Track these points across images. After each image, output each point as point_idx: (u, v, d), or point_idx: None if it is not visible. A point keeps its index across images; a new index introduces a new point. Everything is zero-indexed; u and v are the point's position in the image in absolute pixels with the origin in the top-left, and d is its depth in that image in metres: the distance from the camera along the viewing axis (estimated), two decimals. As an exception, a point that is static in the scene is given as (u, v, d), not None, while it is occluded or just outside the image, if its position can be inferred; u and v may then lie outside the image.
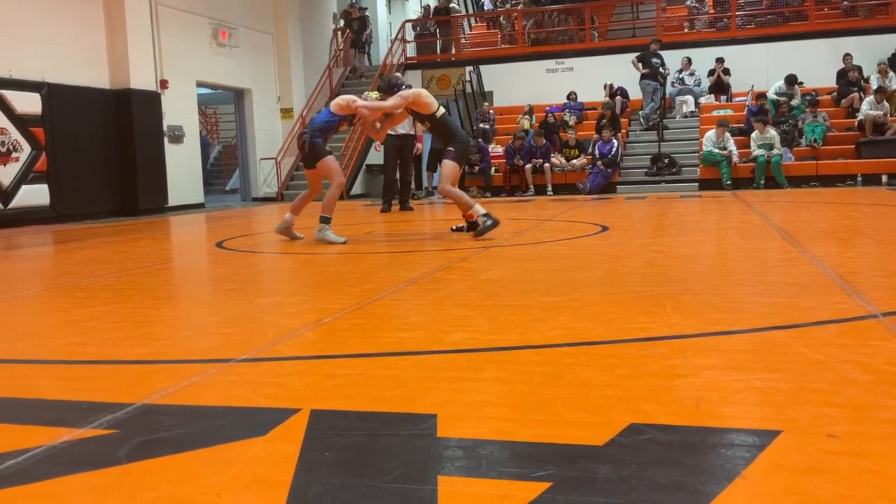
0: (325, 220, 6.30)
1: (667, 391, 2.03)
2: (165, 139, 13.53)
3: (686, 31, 17.74)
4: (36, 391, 2.32)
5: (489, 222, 6.13)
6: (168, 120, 13.61)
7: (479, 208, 6.25)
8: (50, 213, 11.28)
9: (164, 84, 13.49)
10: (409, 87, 6.64)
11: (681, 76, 16.15)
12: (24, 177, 10.89)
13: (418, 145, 10.61)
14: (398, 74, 10.18)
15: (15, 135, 10.74)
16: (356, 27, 18.06)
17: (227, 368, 2.44)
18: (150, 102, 13.04)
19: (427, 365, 2.45)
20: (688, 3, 17.89)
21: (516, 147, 14.57)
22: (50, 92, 11.27)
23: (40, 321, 3.62)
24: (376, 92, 6.58)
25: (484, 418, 1.87)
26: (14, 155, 10.72)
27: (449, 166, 6.36)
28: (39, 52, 11.19)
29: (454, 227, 6.82)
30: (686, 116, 15.83)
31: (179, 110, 13.97)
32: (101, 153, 12.28)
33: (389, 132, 9.78)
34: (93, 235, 8.60)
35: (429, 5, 21.89)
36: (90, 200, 12.08)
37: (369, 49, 19.97)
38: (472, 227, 6.34)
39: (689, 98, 15.92)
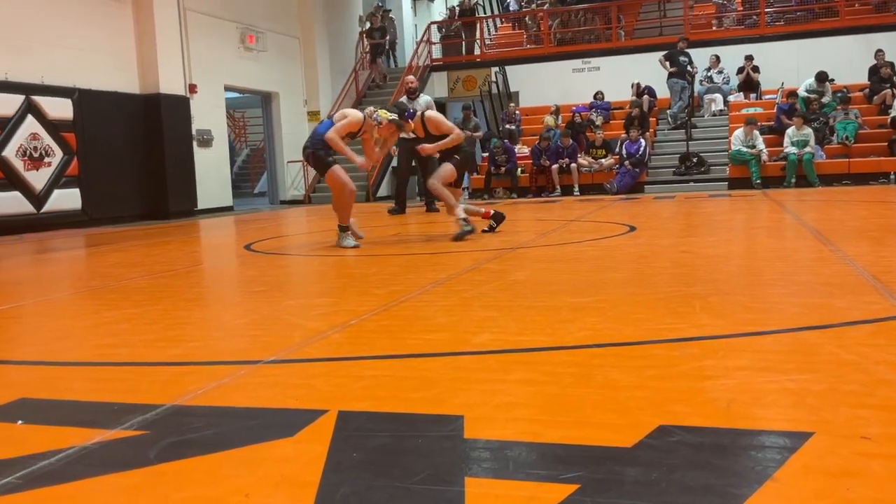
0: (344, 229, 6.28)
1: (697, 392, 2.01)
2: (194, 143, 13.68)
3: (714, 28, 17.57)
4: (68, 392, 2.35)
5: (467, 228, 6.36)
6: (197, 124, 13.75)
7: (459, 212, 6.42)
8: (82, 217, 11.45)
9: (192, 89, 13.64)
10: (413, 112, 6.64)
11: (709, 74, 16.00)
12: (57, 181, 11.06)
13: (424, 145, 10.56)
14: (403, 100, 10.17)
15: (47, 140, 10.92)
16: (377, 37, 18.05)
17: (256, 370, 2.46)
18: (178, 107, 13.19)
19: (454, 366, 2.45)
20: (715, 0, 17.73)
21: (542, 147, 14.52)
22: (81, 98, 11.45)
23: (73, 323, 3.67)
24: (385, 111, 6.43)
25: (512, 420, 1.87)
26: (47, 160, 10.90)
27: (448, 168, 6.56)
28: (71, 59, 11.37)
29: (484, 229, 6.83)
30: (715, 115, 15.67)
31: (208, 114, 14.12)
32: (131, 157, 12.45)
33: (402, 135, 9.88)
34: (124, 239, 8.72)
35: (454, 7, 21.91)
36: (121, 204, 12.24)
37: (394, 52, 20.04)
38: (498, 218, 6.76)
39: (718, 96, 15.76)
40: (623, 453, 1.61)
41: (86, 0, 11.67)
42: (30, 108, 10.63)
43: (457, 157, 6.57)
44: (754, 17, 16.88)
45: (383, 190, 16.57)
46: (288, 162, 16.64)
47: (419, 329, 3.08)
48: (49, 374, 2.64)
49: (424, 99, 10.34)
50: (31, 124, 10.65)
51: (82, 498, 1.54)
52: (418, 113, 6.62)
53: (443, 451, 1.68)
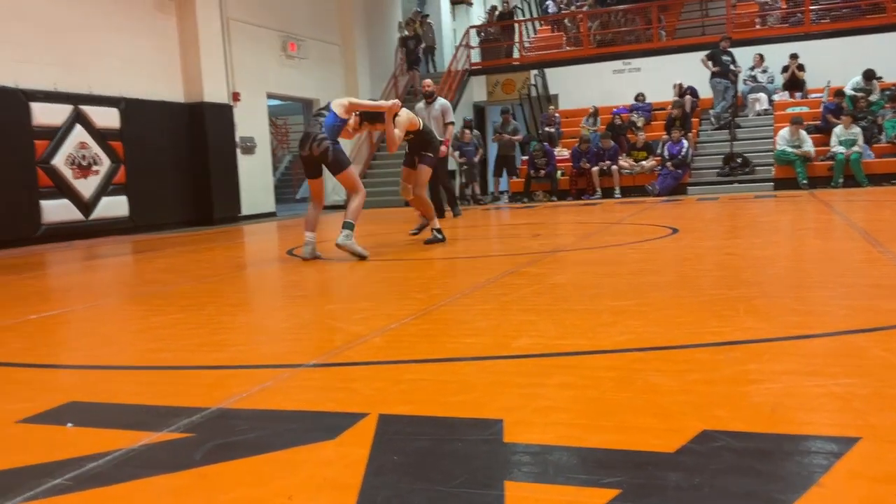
0: (351, 227, 5.90)
1: (741, 397, 1.98)
2: (238, 150, 13.88)
3: (758, 27, 17.29)
4: (116, 396, 2.41)
5: (440, 237, 6.66)
6: (240, 131, 13.96)
7: (436, 222, 6.79)
8: (128, 224, 11.69)
9: (235, 97, 13.85)
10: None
11: (753, 73, 15.74)
12: (104, 189, 11.32)
13: (442, 149, 10.42)
14: (420, 105, 10.16)
15: (95, 149, 11.18)
16: (412, 45, 18.05)
17: (298, 373, 2.49)
18: (222, 115, 13.40)
19: (493, 370, 2.45)
20: (759, -2, 17.47)
21: (582, 150, 14.44)
22: (128, 107, 11.70)
23: (121, 328, 3.76)
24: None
25: (551, 424, 1.86)
26: (94, 168, 11.16)
27: (426, 171, 6.68)
28: (117, 69, 11.63)
29: (419, 235, 7.18)
30: (759, 114, 15.42)
31: (251, 122, 14.32)
32: (176, 165, 12.68)
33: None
34: (169, 245, 8.88)
35: (493, 5, 21.90)
36: (166, 211, 12.47)
37: (433, 56, 20.10)
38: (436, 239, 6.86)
39: (763, 96, 15.50)
40: (665, 458, 1.59)
41: (131, 11, 11.93)
42: (78, 118, 10.89)
43: (429, 154, 6.67)
44: (799, 14, 16.57)
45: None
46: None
47: (458, 333, 3.09)
48: (98, 378, 2.70)
49: (441, 103, 10.22)
50: (79, 133, 10.91)
51: (131, 499, 1.57)
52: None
53: (482, 454, 1.68)
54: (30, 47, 10.22)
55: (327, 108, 5.97)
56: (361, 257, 5.84)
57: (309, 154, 5.79)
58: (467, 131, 15.57)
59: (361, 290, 4.74)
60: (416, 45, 17.89)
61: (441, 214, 10.60)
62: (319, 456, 1.72)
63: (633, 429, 1.80)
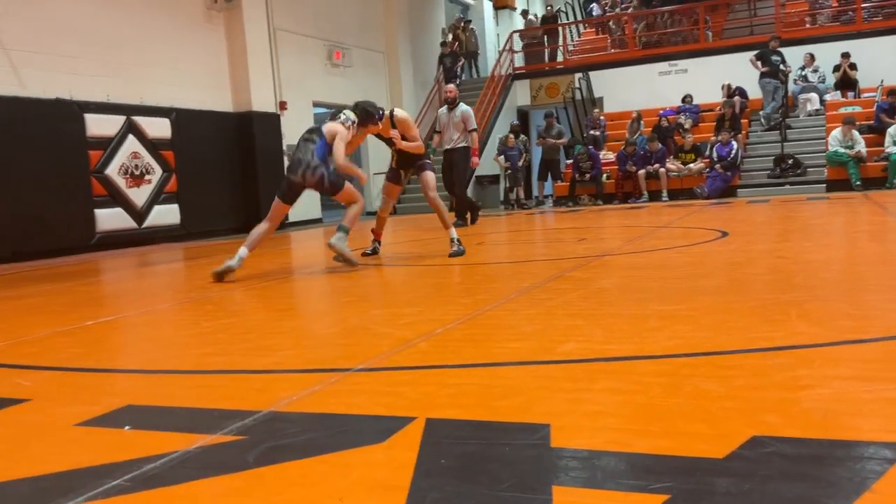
0: (346, 231, 5.86)
1: (792, 403, 1.95)
2: (285, 158, 14.08)
3: (808, 25, 16.95)
4: (171, 399, 2.47)
5: (461, 249, 6.27)
6: (287, 140, 14.15)
7: (453, 231, 6.41)
8: (180, 231, 11.94)
9: (282, 105, 14.06)
10: (382, 112, 6.38)
11: (803, 73, 15.44)
12: (156, 197, 11.58)
13: (474, 159, 10.21)
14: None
15: (147, 158, 11.45)
16: (448, 63, 17.98)
17: (346, 378, 2.52)
18: (270, 124, 13.62)
19: (540, 375, 2.45)
20: (809, -3, 17.12)
21: (628, 153, 14.32)
22: (178, 117, 11.96)
23: (174, 333, 3.85)
24: (350, 113, 6.17)
25: (599, 429, 1.86)
26: (147, 177, 11.43)
27: (431, 176, 6.55)
28: (168, 80, 11.90)
29: (366, 251, 6.83)
30: (811, 115, 15.10)
31: (297, 130, 14.40)
32: (225, 173, 12.91)
33: (444, 148, 10.22)
34: (219, 251, 9.04)
35: (536, 14, 21.87)
36: (216, 218, 12.71)
37: (476, 62, 20.12)
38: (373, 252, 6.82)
39: (814, 96, 15.18)
40: (714, 464, 1.58)
41: (181, 23, 12.20)
42: (131, 129, 11.17)
43: (427, 160, 6.63)
44: (850, 12, 16.19)
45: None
46: (374, 174, 16.91)
47: (504, 338, 3.09)
48: (153, 382, 2.78)
49: (462, 109, 10.21)
50: (132, 143, 11.19)
51: (187, 499, 1.62)
52: (386, 112, 6.48)
53: (529, 459, 1.69)
54: (84, 60, 10.53)
55: (318, 132, 5.90)
56: (350, 263, 5.84)
57: (301, 181, 5.75)
58: (512, 136, 15.57)
59: (406, 296, 4.77)
60: (454, 62, 17.89)
61: (464, 220, 10.42)
62: (369, 458, 1.75)
63: (681, 434, 1.79)
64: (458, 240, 6.37)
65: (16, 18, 9.67)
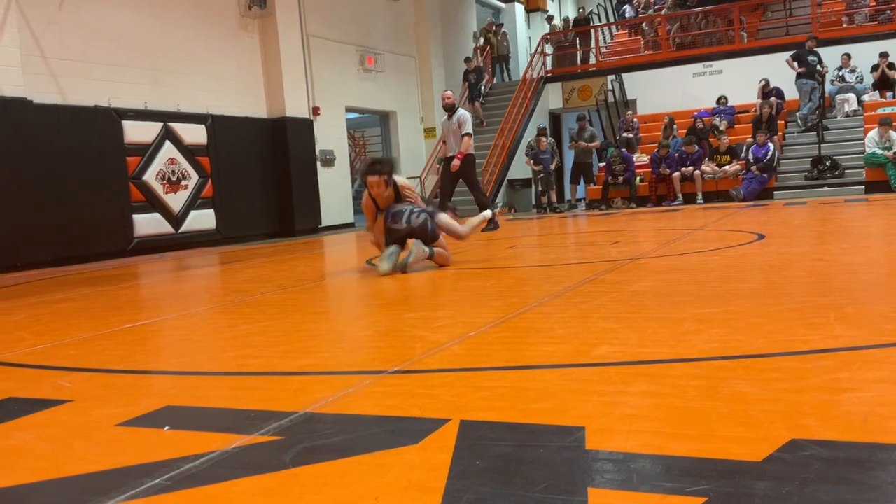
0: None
1: (831, 406, 1.93)
2: (318, 163, 14.20)
3: (845, 25, 16.68)
4: (209, 400, 2.51)
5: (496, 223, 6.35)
6: (320, 145, 14.29)
7: (487, 213, 6.53)
8: (216, 236, 12.10)
9: (315, 111, 14.19)
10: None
11: (841, 73, 15.19)
12: (193, 203, 11.76)
13: (455, 161, 9.78)
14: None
15: (184, 164, 11.63)
16: (472, 79, 17.81)
17: (381, 380, 2.54)
18: (303, 129, 13.75)
19: (574, 378, 2.44)
20: (846, -4, 16.85)
21: (661, 155, 14.20)
22: (214, 123, 12.13)
23: (212, 336, 3.90)
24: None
25: (634, 432, 1.85)
26: (184, 183, 11.61)
27: (446, 222, 6.14)
28: (204, 87, 12.08)
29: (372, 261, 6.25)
30: (848, 115, 14.85)
31: (330, 135, 14.64)
32: (260, 178, 13.07)
33: (448, 155, 9.92)
34: (255, 256, 9.15)
35: (567, 17, 21.81)
36: (251, 223, 12.86)
37: (507, 65, 20.10)
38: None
39: (852, 96, 14.93)
40: (752, 467, 1.56)
41: (217, 31, 12.38)
42: (168, 135, 11.36)
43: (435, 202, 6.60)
44: (888, 11, 15.90)
45: (499, 202, 16.64)
46: (407, 178, 16.98)
47: (537, 341, 3.09)
48: (192, 383, 2.82)
49: (459, 114, 9.93)
50: (168, 150, 11.38)
51: (225, 499, 1.64)
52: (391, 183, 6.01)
53: (564, 461, 1.69)
54: (122, 68, 10.73)
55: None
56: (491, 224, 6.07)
57: (406, 228, 5.81)
58: (543, 139, 15.53)
59: (439, 299, 4.78)
60: (479, 79, 17.74)
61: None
62: (403, 460, 1.76)
63: (718, 437, 1.77)
64: (495, 219, 6.34)
65: (56, 28, 9.89)
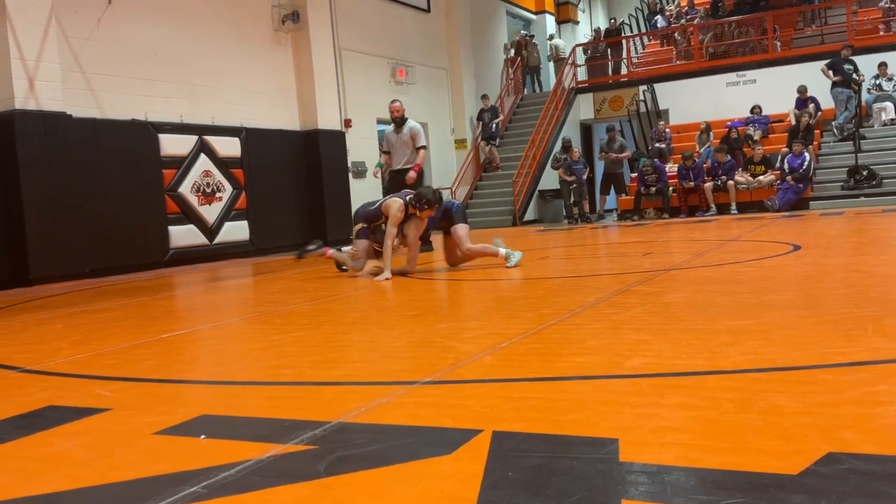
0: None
1: (869, 419, 1.90)
2: (350, 175, 14.30)
3: (881, 33, 16.43)
4: (244, 410, 2.54)
5: (516, 256, 6.52)
6: (352, 157, 14.39)
7: (501, 251, 6.62)
8: (249, 247, 12.23)
9: (347, 123, 14.30)
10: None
11: (877, 82, 14.95)
12: (227, 214, 11.90)
13: (411, 174, 9.20)
14: (389, 129, 9.34)
15: (219, 176, 11.78)
16: (487, 119, 17.06)
17: (413, 390, 2.55)
18: (335, 141, 13.86)
19: (607, 389, 2.43)
20: (881, 4, 16.59)
21: (688, 167, 14.11)
22: (248, 136, 12.28)
23: (246, 346, 3.95)
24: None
25: (668, 444, 1.84)
26: (218, 195, 11.76)
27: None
28: (238, 100, 12.25)
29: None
30: (886, 124, 14.61)
31: (362, 147, 14.74)
32: (293, 190, 13.19)
33: (393, 169, 9.56)
34: (288, 267, 9.23)
35: (599, 28, 21.76)
36: (284, 234, 12.97)
37: (538, 76, 20.09)
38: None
39: (889, 105, 14.68)
40: (789, 480, 1.55)
41: (251, 45, 12.55)
42: (202, 148, 11.52)
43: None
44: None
45: (529, 213, 16.61)
46: (438, 188, 17.04)
47: (569, 352, 3.08)
48: (227, 393, 2.85)
49: (411, 126, 9.46)
50: (203, 162, 11.54)
51: (260, 506, 1.66)
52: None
53: (597, 473, 1.68)
54: (158, 83, 10.92)
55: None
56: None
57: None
58: (576, 150, 15.54)
59: (471, 310, 4.79)
60: (493, 117, 17.21)
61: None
62: (436, 470, 1.77)
63: (754, 450, 1.75)
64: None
65: (94, 44, 10.10)
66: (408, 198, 6.56)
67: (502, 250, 6.61)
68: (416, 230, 6.62)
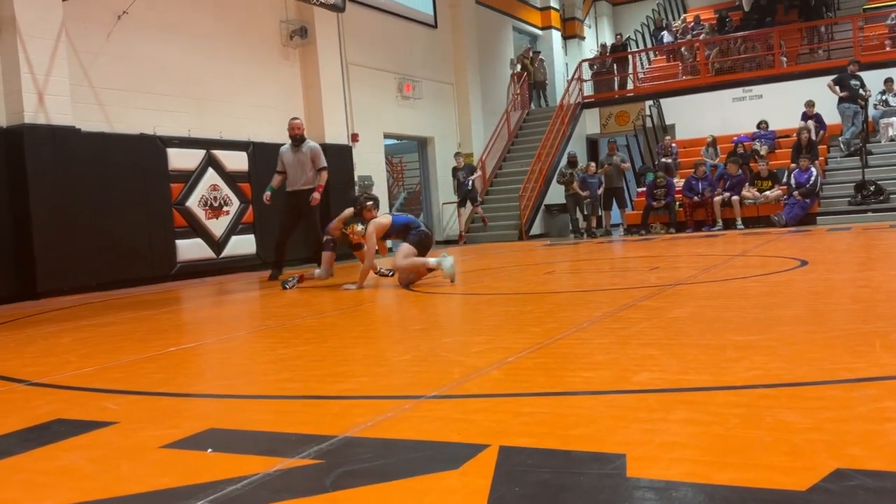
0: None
1: (877, 435, 1.89)
2: (356, 189, 14.33)
3: (888, 49, 16.45)
4: (251, 423, 2.54)
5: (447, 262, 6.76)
6: (359, 171, 14.43)
7: (431, 261, 6.94)
8: (256, 261, 12.24)
9: (354, 137, 14.35)
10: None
11: (884, 98, 14.96)
12: (234, 228, 11.93)
13: (315, 195, 9.11)
14: (286, 147, 9.38)
15: (226, 190, 11.82)
16: (461, 177, 15.92)
17: (419, 404, 2.55)
18: (342, 155, 13.90)
19: (614, 404, 2.43)
20: (889, 21, 16.62)
21: (699, 176, 14.15)
22: (255, 150, 12.33)
23: (252, 360, 3.95)
24: (360, 225, 7.18)
25: (676, 460, 1.83)
26: (225, 209, 11.80)
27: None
28: (245, 114, 12.31)
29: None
30: (893, 140, 14.60)
31: (369, 161, 14.79)
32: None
33: (290, 190, 9.47)
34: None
35: (605, 43, 21.85)
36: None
37: (545, 91, 20.15)
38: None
39: (895, 120, 14.69)
40: (796, 497, 1.54)
41: (259, 61, 12.63)
42: (210, 162, 11.57)
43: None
44: (934, 34, 15.67)
45: (536, 228, 16.61)
46: (443, 203, 17.06)
47: (576, 367, 3.07)
48: (233, 407, 2.86)
49: (310, 146, 9.29)
50: (211, 176, 11.58)
51: (266, 520, 1.66)
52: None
53: (605, 488, 1.68)
54: (166, 97, 10.99)
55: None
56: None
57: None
58: (592, 164, 15.64)
59: (477, 324, 4.78)
60: (468, 174, 15.87)
61: (280, 270, 9.72)
62: (443, 485, 1.76)
63: (761, 466, 1.75)
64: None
65: (104, 59, 10.18)
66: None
67: (432, 260, 6.92)
68: (373, 234, 7.09)
